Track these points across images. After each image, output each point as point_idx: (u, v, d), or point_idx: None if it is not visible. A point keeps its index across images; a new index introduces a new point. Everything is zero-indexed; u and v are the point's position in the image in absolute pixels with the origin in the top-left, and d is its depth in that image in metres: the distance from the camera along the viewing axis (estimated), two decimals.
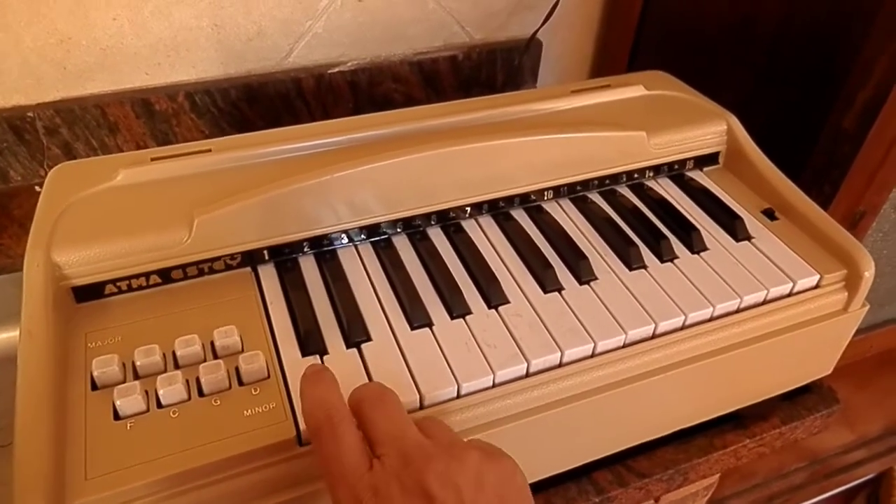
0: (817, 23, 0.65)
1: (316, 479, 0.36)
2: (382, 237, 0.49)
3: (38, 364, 0.36)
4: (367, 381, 0.39)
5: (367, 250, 0.48)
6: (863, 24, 0.60)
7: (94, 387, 0.37)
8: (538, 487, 0.47)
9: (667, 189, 0.56)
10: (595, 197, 0.54)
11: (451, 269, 0.46)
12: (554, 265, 0.47)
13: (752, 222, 0.52)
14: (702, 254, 0.49)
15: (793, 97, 0.69)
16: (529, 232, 0.50)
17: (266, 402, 0.37)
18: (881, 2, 0.58)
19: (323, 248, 0.47)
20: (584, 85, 0.61)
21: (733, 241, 0.51)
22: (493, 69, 0.84)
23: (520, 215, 0.52)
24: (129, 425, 0.35)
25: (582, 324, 0.43)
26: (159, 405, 0.36)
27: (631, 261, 0.48)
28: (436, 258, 0.47)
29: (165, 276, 0.43)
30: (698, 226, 0.51)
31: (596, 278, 0.47)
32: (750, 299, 0.46)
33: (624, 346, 0.43)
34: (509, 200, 0.52)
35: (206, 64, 0.72)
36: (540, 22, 0.80)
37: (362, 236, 0.48)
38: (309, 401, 0.33)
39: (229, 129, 0.74)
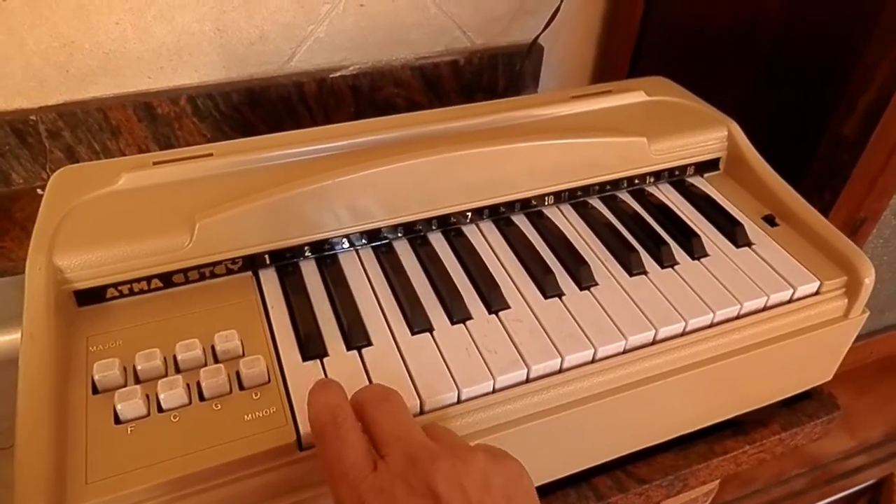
0: (818, 28, 0.65)
1: (316, 483, 0.36)
2: (383, 242, 0.49)
3: (39, 367, 0.36)
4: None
5: (368, 255, 0.48)
6: (864, 30, 0.60)
7: (95, 390, 0.37)
8: (538, 493, 0.47)
9: (667, 195, 0.56)
10: (596, 202, 0.54)
11: (451, 275, 0.46)
12: (554, 271, 0.47)
13: (752, 228, 0.52)
14: (702, 260, 0.49)
15: (794, 103, 0.69)
16: (530, 237, 0.50)
17: (266, 407, 0.37)
18: (882, 7, 0.58)
19: (324, 252, 0.47)
20: (585, 90, 0.61)
21: (734, 248, 0.51)
22: (495, 74, 0.84)
23: (521, 220, 0.52)
24: (129, 429, 0.35)
25: (582, 329, 0.43)
26: (160, 409, 0.36)
27: (631, 266, 0.48)
28: (437, 263, 0.47)
29: (167, 280, 0.43)
30: (699, 232, 0.51)
31: (596, 284, 0.47)
32: (750, 305, 0.46)
33: (624, 352, 0.43)
34: (510, 205, 0.52)
35: (209, 68, 0.72)
36: (541, 27, 0.80)
37: (363, 241, 0.48)
38: (315, 406, 0.33)
39: (231, 132, 0.74)
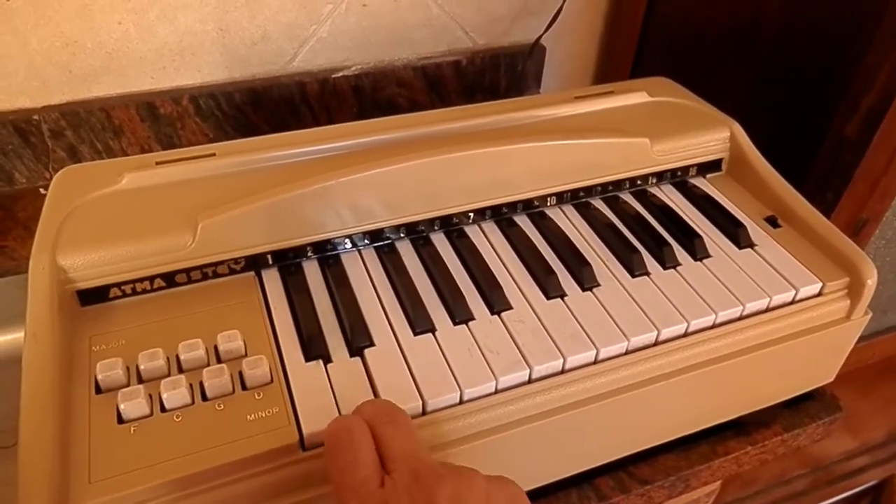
0: (820, 28, 0.65)
1: (319, 484, 0.36)
2: (386, 242, 0.49)
3: (42, 367, 0.36)
4: (369, 385, 0.39)
5: (371, 255, 0.48)
6: (866, 30, 0.60)
7: (98, 390, 0.37)
8: (540, 493, 0.47)
9: (670, 196, 0.56)
10: (598, 203, 0.54)
11: (454, 275, 0.46)
12: (557, 271, 0.47)
13: (754, 229, 0.52)
14: (704, 261, 0.49)
15: (796, 103, 0.69)
16: (532, 238, 0.50)
17: (269, 407, 0.37)
18: (885, 7, 0.58)
19: (326, 252, 0.47)
20: (587, 91, 0.61)
21: (736, 249, 0.51)
22: (497, 74, 0.84)
23: (523, 221, 0.52)
24: (132, 429, 0.35)
25: (584, 330, 0.43)
26: (163, 409, 0.36)
27: (634, 267, 0.48)
28: (439, 263, 0.47)
29: (170, 280, 0.43)
30: (701, 233, 0.51)
31: (599, 285, 0.47)
32: (752, 307, 0.46)
33: (626, 353, 0.43)
34: (513, 206, 0.52)
35: (211, 68, 0.72)
36: (544, 27, 0.80)
37: (366, 241, 0.48)
38: (334, 422, 0.33)
39: (234, 132, 0.74)
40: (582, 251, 0.49)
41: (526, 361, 0.41)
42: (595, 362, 0.42)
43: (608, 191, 0.55)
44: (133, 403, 0.36)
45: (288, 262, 0.46)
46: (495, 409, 0.40)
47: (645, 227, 0.52)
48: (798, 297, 0.48)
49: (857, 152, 0.65)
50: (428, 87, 0.81)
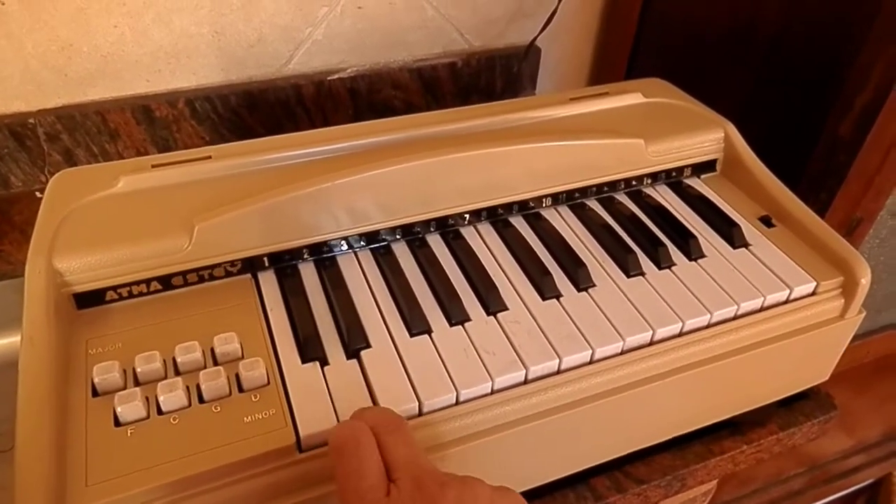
0: (815, 29, 0.66)
1: (316, 485, 0.36)
2: (382, 244, 0.49)
3: (39, 370, 0.36)
4: (366, 387, 0.39)
5: (367, 257, 0.48)
6: (860, 31, 0.61)
7: (95, 393, 0.37)
8: (536, 494, 0.47)
9: (664, 196, 0.56)
10: (593, 204, 0.55)
11: (449, 276, 0.46)
12: (552, 272, 0.47)
13: (749, 229, 0.52)
14: (699, 261, 0.50)
15: (790, 103, 0.70)
16: (528, 239, 0.50)
17: (266, 409, 0.37)
18: (878, 8, 0.59)
19: (323, 254, 0.47)
20: (582, 92, 0.61)
21: (730, 248, 0.51)
22: (492, 76, 0.84)
23: (518, 222, 0.52)
24: (129, 432, 0.35)
25: (580, 330, 0.43)
26: (160, 412, 0.36)
27: (629, 268, 0.48)
28: (435, 265, 0.47)
29: (166, 282, 0.43)
30: (696, 233, 0.52)
31: (594, 285, 0.47)
32: (747, 306, 0.47)
33: (622, 353, 0.43)
34: (508, 207, 0.52)
35: (207, 71, 0.72)
36: (538, 29, 0.80)
37: (362, 243, 0.48)
38: (339, 427, 0.33)
39: (229, 135, 0.75)
40: (577, 252, 0.49)
41: (522, 362, 0.41)
42: (591, 362, 0.43)
43: (603, 191, 0.55)
44: (130, 406, 0.36)
45: (284, 264, 0.46)
46: (492, 409, 0.40)
47: (640, 227, 0.52)
48: (792, 297, 0.48)
49: (850, 152, 0.65)
50: (423, 88, 0.82)
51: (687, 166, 0.58)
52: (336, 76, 0.76)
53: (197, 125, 0.73)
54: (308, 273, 0.46)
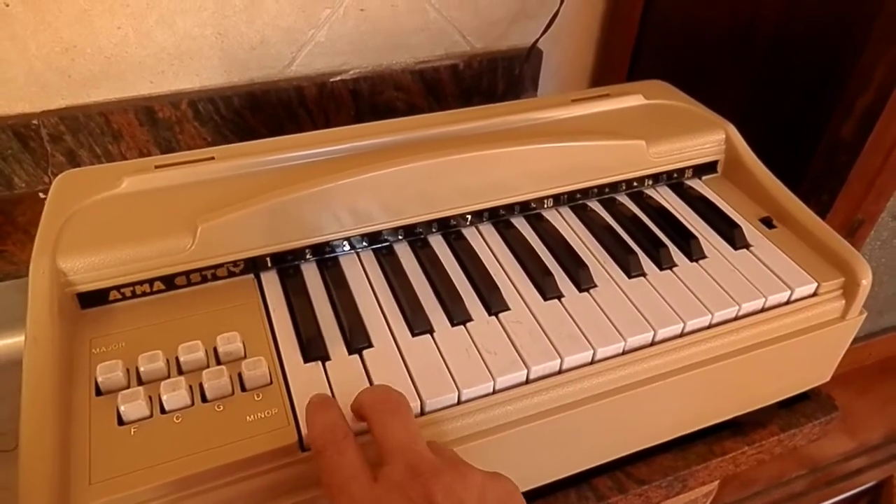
0: (816, 30, 0.66)
1: (318, 484, 0.36)
2: (384, 244, 0.49)
3: (43, 369, 0.36)
4: (368, 386, 0.39)
5: (369, 257, 0.48)
6: (861, 32, 0.61)
7: (99, 392, 0.37)
8: (538, 494, 0.48)
9: (666, 197, 0.56)
10: (595, 205, 0.55)
11: (451, 277, 0.47)
12: (554, 273, 0.47)
13: (750, 231, 0.53)
14: (700, 262, 0.50)
15: (792, 105, 0.70)
16: (529, 239, 0.50)
17: (268, 408, 0.37)
18: (879, 9, 0.59)
19: (325, 255, 0.48)
20: (583, 94, 0.61)
21: (732, 250, 0.51)
22: (494, 78, 0.84)
23: (520, 223, 0.52)
24: (132, 430, 0.36)
25: (581, 331, 0.43)
26: (163, 411, 0.37)
27: (630, 268, 0.48)
28: (437, 265, 0.47)
29: (169, 282, 0.43)
30: (697, 234, 0.52)
31: (595, 286, 0.47)
32: (748, 307, 0.47)
33: (623, 353, 0.43)
34: (510, 208, 0.52)
35: (210, 72, 0.72)
36: (540, 31, 0.80)
37: (364, 243, 0.49)
38: (314, 425, 0.33)
39: (232, 136, 0.75)
40: (579, 252, 0.49)
41: (523, 362, 0.41)
42: (592, 362, 0.43)
43: (605, 193, 0.56)
44: (133, 405, 0.36)
45: (287, 264, 0.46)
46: (493, 409, 0.40)
47: (641, 228, 0.52)
48: (793, 298, 0.48)
49: (852, 153, 0.65)
50: (425, 90, 0.82)
51: (688, 168, 0.58)
52: (338, 78, 0.76)
53: (200, 126, 0.73)
54: (310, 273, 0.46)
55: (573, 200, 0.54)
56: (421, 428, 0.38)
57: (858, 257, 0.48)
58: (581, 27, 0.90)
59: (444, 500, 0.29)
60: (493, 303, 0.45)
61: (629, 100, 0.60)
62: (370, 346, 0.42)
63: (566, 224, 0.53)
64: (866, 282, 0.48)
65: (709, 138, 0.57)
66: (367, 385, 0.39)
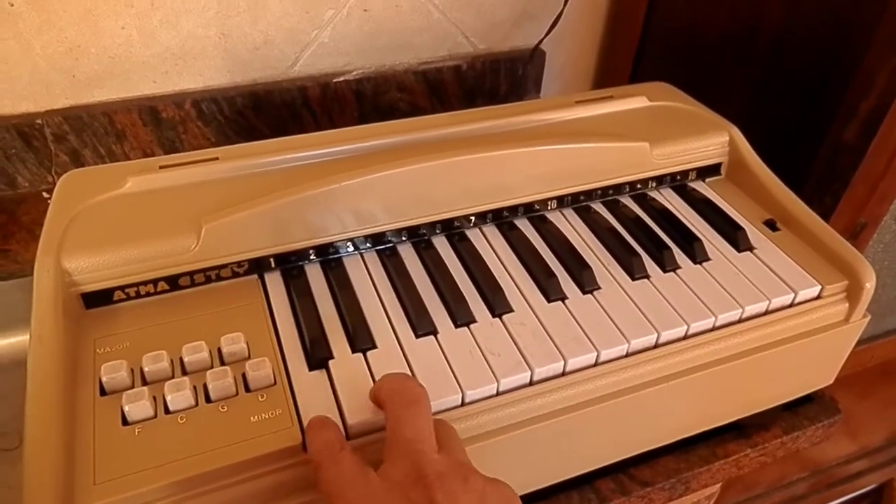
0: (819, 34, 0.66)
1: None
2: (388, 245, 0.49)
3: (47, 369, 0.36)
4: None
5: (373, 258, 0.48)
6: (864, 35, 0.61)
7: (103, 392, 0.37)
8: (541, 495, 0.48)
9: (669, 199, 0.56)
10: (598, 207, 0.55)
11: (455, 278, 0.47)
12: (557, 274, 0.47)
13: (753, 233, 0.53)
14: (704, 264, 0.50)
15: (795, 108, 0.70)
16: (533, 241, 0.50)
17: (272, 409, 0.37)
18: (882, 13, 0.59)
19: (329, 256, 0.48)
20: (587, 96, 0.61)
21: (735, 252, 0.51)
22: (497, 79, 0.84)
23: (524, 225, 0.52)
24: (137, 430, 0.36)
25: (585, 333, 0.43)
26: (167, 411, 0.37)
27: (634, 270, 0.48)
28: (440, 267, 0.47)
29: (173, 282, 0.43)
30: (700, 236, 0.52)
31: (599, 288, 0.47)
32: (752, 309, 0.47)
33: (627, 356, 0.43)
34: (513, 210, 0.52)
35: (213, 72, 0.72)
36: (544, 32, 0.81)
37: (368, 245, 0.49)
38: (312, 444, 0.34)
39: (235, 137, 0.75)
40: (582, 254, 0.49)
41: (527, 363, 0.41)
42: (595, 364, 0.43)
43: (608, 195, 0.56)
44: (137, 405, 0.36)
45: (291, 265, 0.47)
46: (496, 411, 0.40)
47: (645, 230, 0.52)
48: (797, 300, 0.48)
49: (855, 156, 0.65)
50: (429, 91, 0.82)
51: (692, 170, 0.58)
52: (342, 78, 0.77)
53: (203, 126, 0.73)
54: (314, 274, 0.46)
55: (577, 202, 0.55)
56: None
57: (862, 260, 0.48)
58: (584, 29, 0.90)
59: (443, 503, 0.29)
60: (497, 304, 0.45)
61: (633, 102, 0.60)
62: (374, 347, 0.42)
63: (570, 226, 0.53)
64: (870, 285, 0.48)
65: (712, 140, 0.57)
66: (371, 386, 0.39)
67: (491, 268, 0.48)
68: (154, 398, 0.37)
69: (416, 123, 0.55)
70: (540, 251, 0.49)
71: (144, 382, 0.38)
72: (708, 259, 0.50)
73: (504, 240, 0.51)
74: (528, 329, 0.44)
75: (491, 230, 0.52)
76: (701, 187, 0.58)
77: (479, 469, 0.33)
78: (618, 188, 0.56)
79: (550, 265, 0.48)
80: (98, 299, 0.42)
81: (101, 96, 0.69)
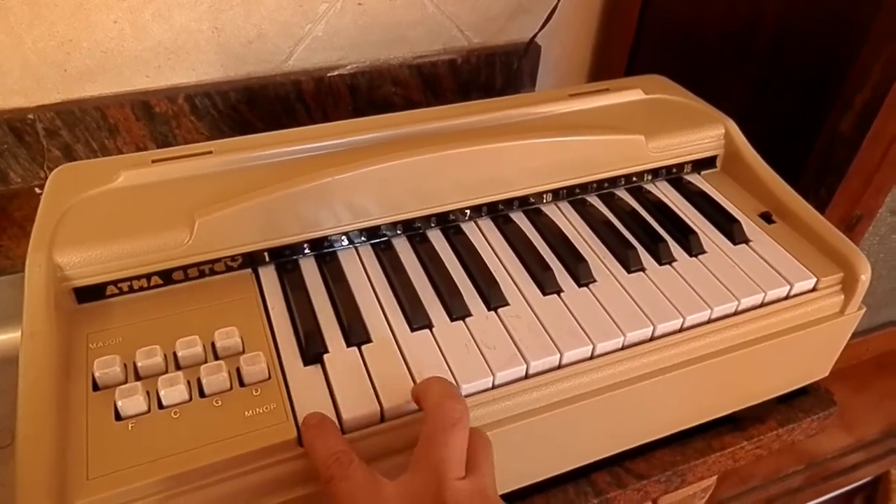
0: (815, 27, 0.66)
1: (316, 479, 0.36)
2: (382, 239, 0.49)
3: (39, 365, 0.36)
4: (367, 381, 0.39)
5: (368, 252, 0.48)
6: (860, 29, 0.61)
7: (96, 387, 0.37)
8: (537, 489, 0.48)
9: (665, 192, 0.56)
10: (594, 200, 0.55)
11: (450, 272, 0.46)
12: (553, 268, 0.47)
13: (749, 226, 0.53)
14: (699, 257, 0.50)
15: (791, 101, 0.70)
16: (528, 234, 0.50)
17: (267, 403, 0.37)
18: (878, 6, 0.59)
19: (323, 249, 0.47)
20: (582, 89, 0.61)
21: (731, 245, 0.51)
22: (492, 73, 0.84)
23: (519, 218, 0.52)
24: (130, 426, 0.35)
25: (581, 326, 0.43)
26: (160, 406, 0.36)
27: (629, 263, 0.48)
28: (435, 260, 0.47)
29: (167, 277, 0.43)
30: (696, 229, 0.52)
31: (594, 281, 0.47)
32: (747, 302, 0.47)
33: (622, 349, 0.43)
34: (508, 203, 0.52)
35: (206, 66, 0.72)
36: (539, 26, 0.80)
37: (362, 238, 0.48)
38: (317, 452, 0.33)
39: (229, 131, 0.74)
40: (578, 247, 0.49)
41: (523, 357, 0.41)
42: (591, 358, 0.43)
43: (604, 187, 0.55)
44: (131, 400, 0.36)
45: (285, 259, 0.46)
46: (492, 404, 0.40)
47: (640, 223, 0.52)
48: (792, 293, 0.48)
49: (850, 149, 0.65)
50: (423, 85, 0.82)
51: (687, 162, 0.58)
52: (336, 72, 0.76)
53: (196, 121, 0.72)
54: (309, 268, 0.46)
55: (572, 195, 0.54)
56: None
57: (857, 252, 0.48)
58: (579, 22, 0.90)
59: None
60: (492, 298, 0.45)
61: (628, 94, 0.60)
62: (369, 341, 0.42)
63: (565, 219, 0.53)
64: (865, 277, 0.48)
65: (708, 133, 0.57)
66: (367, 381, 0.39)
67: (486, 261, 0.48)
68: (147, 393, 0.37)
69: (411, 117, 0.55)
70: (535, 244, 0.49)
71: (138, 377, 0.38)
72: (703, 252, 0.50)
73: (499, 233, 0.51)
74: (523, 322, 0.43)
75: (486, 223, 0.51)
76: (696, 180, 0.58)
77: None
78: (613, 181, 0.55)
79: (546, 258, 0.48)
80: (91, 294, 0.42)
81: (93, 91, 0.69)
